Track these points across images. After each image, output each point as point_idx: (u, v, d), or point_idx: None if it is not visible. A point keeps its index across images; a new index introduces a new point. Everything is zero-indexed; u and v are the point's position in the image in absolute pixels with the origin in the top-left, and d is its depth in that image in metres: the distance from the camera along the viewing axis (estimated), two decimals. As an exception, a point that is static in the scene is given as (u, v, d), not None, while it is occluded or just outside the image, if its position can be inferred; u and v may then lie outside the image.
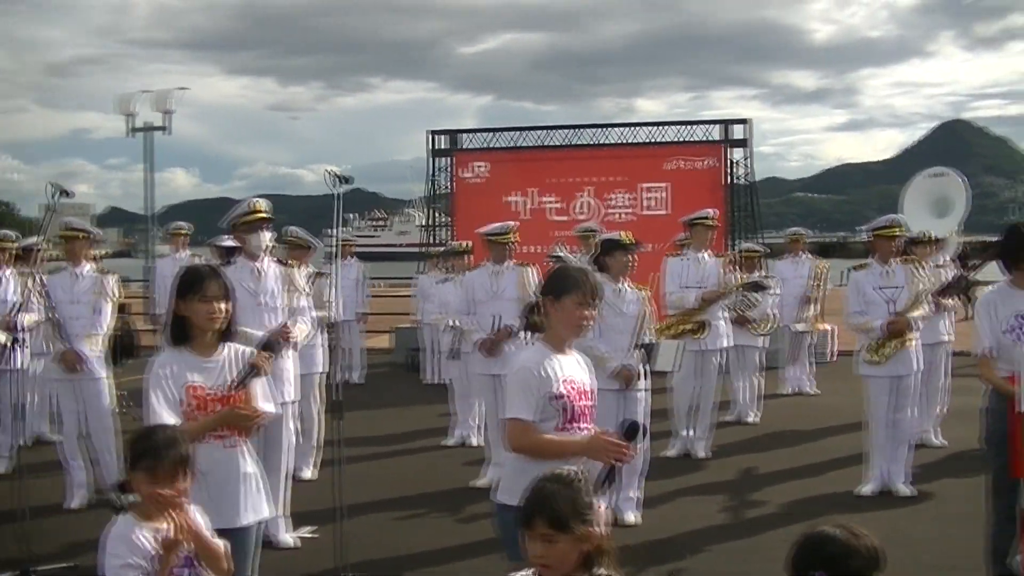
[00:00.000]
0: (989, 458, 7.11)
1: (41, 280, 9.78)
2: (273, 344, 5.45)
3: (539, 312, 5.17)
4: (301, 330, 8.50)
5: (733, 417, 13.68)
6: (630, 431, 4.83)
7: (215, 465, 5.02)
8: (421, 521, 9.33)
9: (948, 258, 13.22)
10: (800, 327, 15.62)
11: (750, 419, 13.73)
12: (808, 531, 3.51)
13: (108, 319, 10.03)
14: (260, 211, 8.39)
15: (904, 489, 9.89)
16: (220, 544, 4.44)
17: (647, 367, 9.03)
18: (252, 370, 5.24)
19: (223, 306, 5.24)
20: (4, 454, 11.26)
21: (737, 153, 19.50)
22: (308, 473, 10.74)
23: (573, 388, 4.98)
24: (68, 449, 10.01)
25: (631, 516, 9.13)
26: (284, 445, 8.55)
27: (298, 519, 8.86)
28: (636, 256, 9.28)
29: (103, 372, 9.87)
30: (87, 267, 10.02)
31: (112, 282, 10.14)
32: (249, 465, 5.36)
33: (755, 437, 12.85)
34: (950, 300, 11.82)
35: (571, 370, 5.03)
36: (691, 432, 11.73)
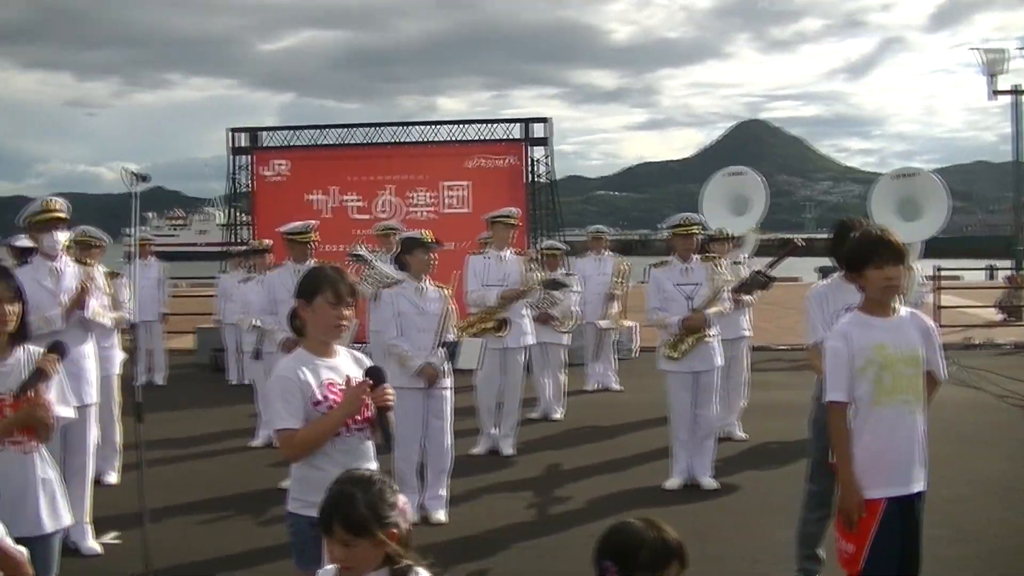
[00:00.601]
0: (812, 443, 7.24)
1: None
2: (61, 345, 5.25)
3: (298, 316, 5.05)
4: (98, 312, 8.31)
5: (538, 414, 13.73)
6: (373, 374, 4.84)
7: (11, 472, 4.86)
8: (229, 523, 9.15)
9: (746, 255, 13.47)
10: (603, 324, 15.74)
11: (555, 416, 13.77)
12: (614, 524, 3.52)
13: None
14: (53, 210, 8.16)
15: (709, 482, 10.02)
16: (20, 551, 4.25)
17: (450, 365, 9.02)
18: (38, 373, 5.05)
19: (13, 308, 5.06)
20: None
21: (538, 151, 19.57)
22: (112, 477, 10.47)
23: (335, 390, 4.88)
24: None
25: (439, 514, 9.10)
26: (87, 448, 8.32)
27: (102, 524, 8.63)
28: (437, 254, 9.26)
29: None
30: None
31: None
32: (47, 471, 5.19)
33: (560, 433, 12.89)
34: (748, 296, 12.03)
35: (333, 372, 4.92)
36: (497, 430, 11.74)
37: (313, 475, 4.80)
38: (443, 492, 9.21)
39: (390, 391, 4.83)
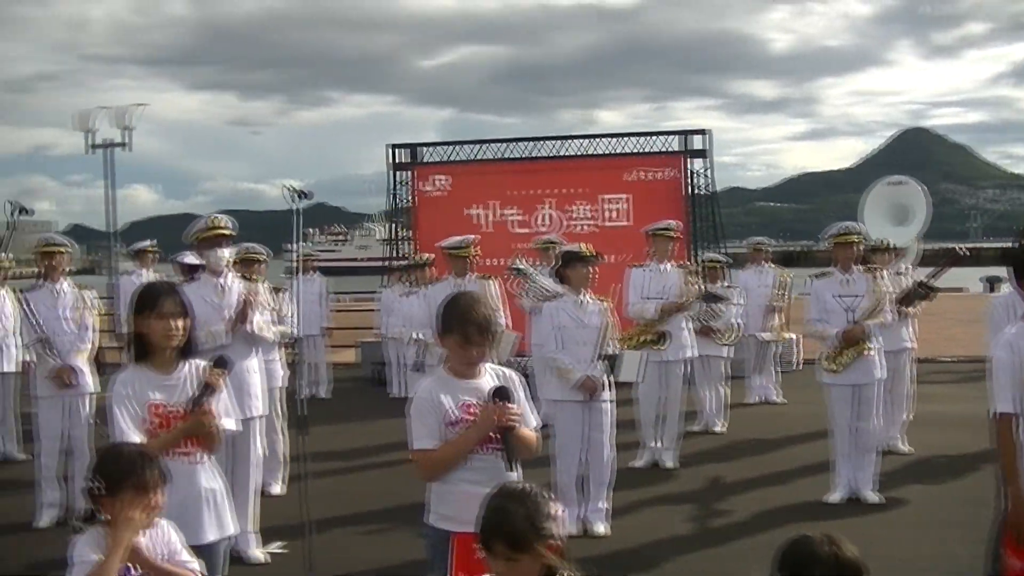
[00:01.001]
0: None
1: (24, 297, 9.79)
2: (225, 360, 5.38)
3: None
4: (261, 326, 8.50)
5: (700, 427, 13.66)
6: (500, 395, 4.88)
7: (179, 481, 4.96)
8: (389, 535, 9.26)
9: (909, 265, 13.25)
10: (765, 336, 15.62)
11: (717, 429, 13.69)
12: (794, 537, 3.49)
13: (94, 333, 10.03)
14: (219, 227, 8.36)
15: (871, 496, 9.88)
16: (193, 570, 4.40)
17: (611, 378, 9.02)
18: (207, 388, 5.18)
19: (180, 323, 5.19)
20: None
21: (697, 163, 19.44)
22: (276, 488, 10.68)
23: (473, 411, 4.93)
24: (46, 467, 9.91)
25: (600, 527, 9.12)
26: (252, 460, 8.52)
27: (267, 534, 8.80)
28: (596, 268, 9.28)
29: (92, 387, 9.86)
30: (65, 283, 9.98)
31: (93, 297, 10.17)
32: (214, 481, 5.32)
33: (722, 446, 12.81)
34: (912, 308, 11.83)
35: (472, 394, 4.97)
36: (658, 442, 11.70)
37: (450, 490, 4.91)
38: (604, 505, 9.22)
39: (514, 411, 4.86)
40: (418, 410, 4.97)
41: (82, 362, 9.85)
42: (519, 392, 5.08)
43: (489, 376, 5.08)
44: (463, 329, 4.93)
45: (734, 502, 10.11)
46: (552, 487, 8.95)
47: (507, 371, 5.18)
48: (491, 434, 4.88)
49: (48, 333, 9.69)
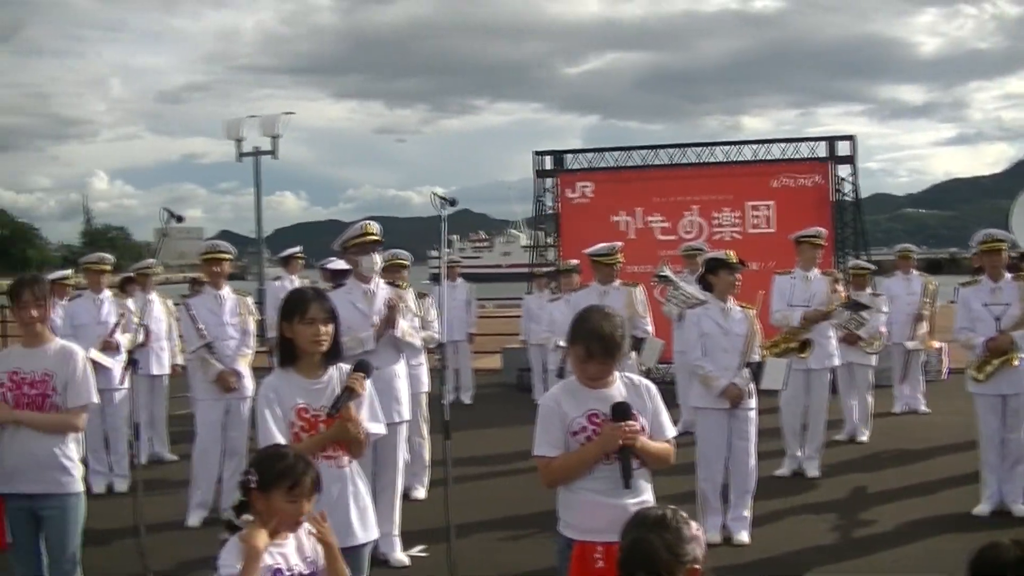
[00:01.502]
0: None
1: (187, 303, 10.10)
2: (367, 364, 5.51)
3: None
4: (407, 332, 8.65)
5: (844, 436, 13.54)
6: (619, 412, 4.90)
7: (326, 484, 5.10)
8: (529, 541, 9.34)
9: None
10: (911, 345, 15.45)
11: (861, 438, 13.57)
12: (984, 543, 3.47)
13: (253, 338, 10.32)
14: (371, 233, 8.51)
15: (1021, 508, 9.73)
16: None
17: (755, 386, 9.03)
18: (347, 392, 5.32)
19: (327, 328, 5.33)
20: (123, 473, 11.54)
21: (843, 170, 19.26)
22: (420, 492, 10.85)
23: (598, 420, 4.98)
24: (202, 467, 10.17)
25: (742, 535, 9.11)
26: (396, 464, 8.67)
27: (409, 538, 8.95)
28: (741, 275, 9.29)
29: (251, 391, 10.07)
30: (227, 288, 10.29)
31: (252, 302, 10.48)
32: (359, 484, 5.46)
33: (866, 456, 12.71)
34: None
35: (600, 402, 5.01)
36: (802, 451, 11.65)
37: (574, 498, 5.02)
38: (747, 513, 9.22)
39: (633, 429, 4.89)
40: (542, 417, 5.08)
41: (244, 366, 10.14)
42: (653, 402, 5.14)
43: (620, 385, 5.12)
44: (587, 343, 4.98)
45: (877, 512, 10.04)
46: (695, 495, 9.00)
47: (640, 380, 5.23)
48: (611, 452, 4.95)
49: (212, 338, 9.99)
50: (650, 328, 11.43)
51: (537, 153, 20.78)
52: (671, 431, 5.20)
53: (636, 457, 4.96)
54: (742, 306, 9.21)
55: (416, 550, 8.90)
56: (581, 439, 4.98)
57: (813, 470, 11.57)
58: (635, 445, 4.91)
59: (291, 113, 27.47)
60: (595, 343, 4.96)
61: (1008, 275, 9.94)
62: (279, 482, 4.34)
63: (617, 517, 4.25)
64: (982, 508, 9.80)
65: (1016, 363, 9.68)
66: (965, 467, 10.92)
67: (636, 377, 5.24)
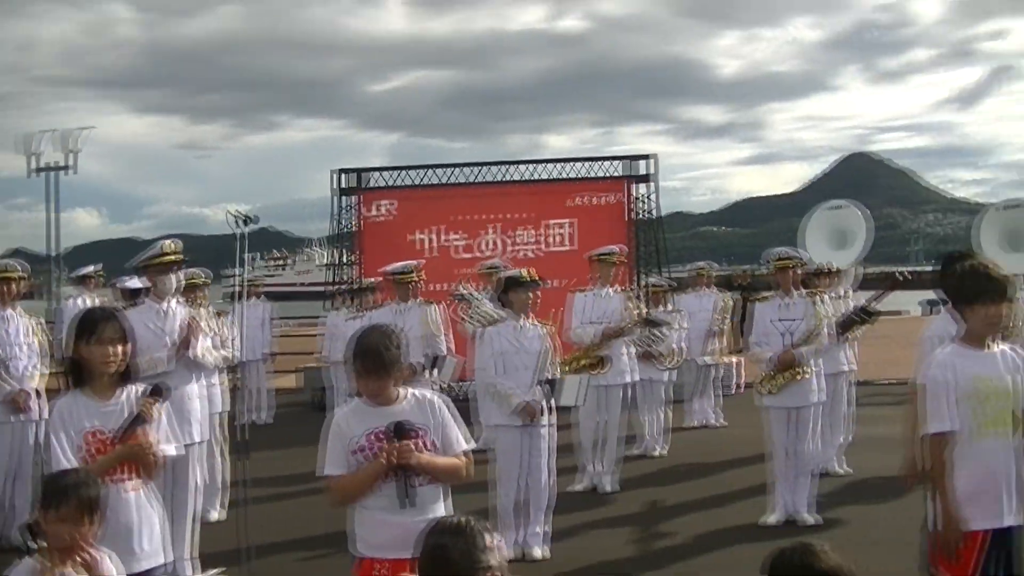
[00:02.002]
0: None
1: None
2: (162, 388, 5.40)
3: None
4: (205, 348, 8.52)
5: (640, 451, 13.69)
6: (398, 431, 4.94)
7: (115, 508, 4.97)
8: (328, 561, 9.21)
9: (850, 289, 13.38)
10: (706, 360, 15.73)
11: (657, 452, 13.76)
12: (773, 551, 3.53)
13: (45, 359, 10.01)
14: (170, 253, 8.37)
15: (808, 518, 9.98)
16: None
17: (551, 402, 9.07)
18: (137, 419, 5.20)
19: (119, 349, 5.21)
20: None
21: (642, 188, 19.55)
22: (216, 514, 10.65)
23: (376, 439, 5.01)
24: None
25: (539, 551, 9.14)
26: (191, 486, 8.50)
27: (206, 560, 8.77)
28: (540, 292, 9.33)
29: (43, 413, 9.73)
30: (18, 308, 9.96)
31: (42, 323, 10.15)
32: (151, 507, 5.34)
33: (662, 470, 12.89)
34: (852, 331, 11.94)
35: (382, 420, 5.03)
36: (598, 466, 11.75)
37: (363, 516, 5.08)
38: (544, 529, 9.25)
39: (406, 446, 4.92)
40: (326, 436, 5.09)
41: (36, 387, 9.82)
42: (439, 417, 5.16)
43: (406, 402, 5.13)
44: (361, 359, 5.03)
45: (674, 525, 10.19)
46: (491, 512, 9.00)
47: (427, 395, 5.25)
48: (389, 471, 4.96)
49: (4, 358, 9.66)
50: (447, 346, 11.43)
51: (339, 171, 20.65)
52: (463, 445, 5.19)
53: (418, 474, 4.95)
54: (537, 323, 9.25)
55: (212, 573, 8.73)
56: (360, 458, 4.98)
57: (609, 485, 11.67)
58: (411, 463, 4.89)
59: (90, 127, 26.84)
60: (368, 359, 5.00)
61: (798, 291, 10.19)
62: (47, 504, 4.23)
63: (400, 534, 4.29)
64: (772, 517, 10.02)
65: (804, 376, 9.93)
66: (758, 478, 11.12)
67: (424, 393, 5.23)
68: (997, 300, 5.38)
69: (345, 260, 20.69)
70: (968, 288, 5.49)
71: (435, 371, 11.18)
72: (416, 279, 11.25)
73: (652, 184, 19.59)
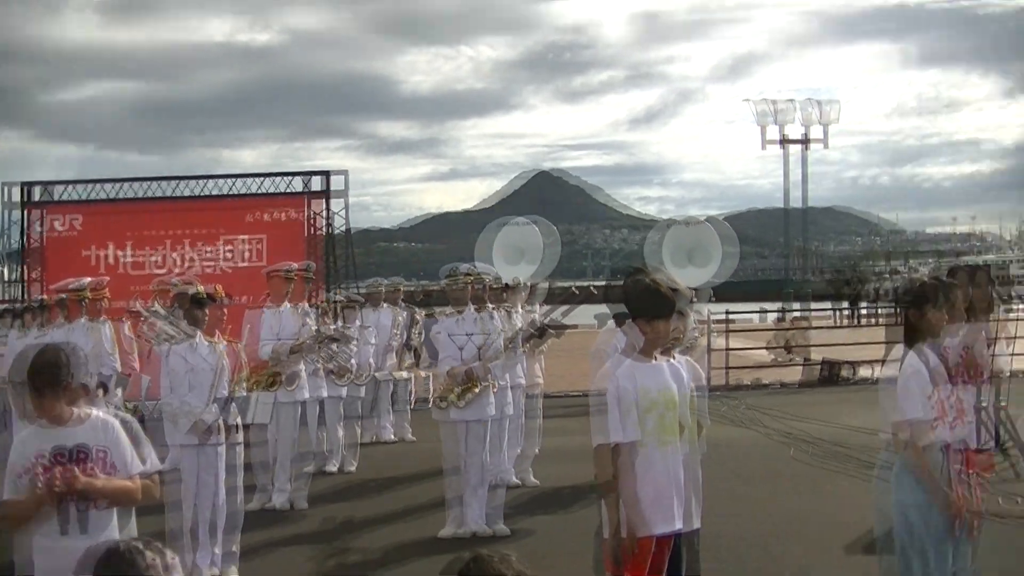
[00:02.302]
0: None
1: None
2: None
3: None
4: None
5: (330, 467, 13.63)
6: (71, 454, 4.87)
7: None
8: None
9: (534, 304, 13.64)
10: (395, 375, 15.80)
11: (346, 468, 13.72)
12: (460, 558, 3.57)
13: None
14: None
15: (488, 529, 10.14)
16: None
17: (238, 420, 8.96)
18: None
19: None
20: None
21: (333, 203, 19.57)
22: None
23: (41, 462, 4.90)
24: None
25: (230, 571, 9.00)
26: None
27: None
28: (224, 309, 9.22)
29: None
30: None
31: None
32: None
33: (352, 485, 12.90)
34: (537, 345, 12.16)
35: (58, 441, 4.93)
36: (287, 483, 11.64)
37: (39, 542, 4.91)
38: (229, 548, 9.10)
39: (70, 474, 4.80)
40: (5, 458, 4.94)
41: None
42: (113, 438, 5.04)
43: (84, 423, 5.01)
44: (28, 381, 4.92)
45: (365, 539, 10.23)
46: (174, 533, 8.83)
47: (105, 416, 5.14)
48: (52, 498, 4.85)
49: None
50: (132, 364, 11.17)
51: (25, 184, 19.99)
52: (139, 467, 5.09)
53: (88, 499, 4.85)
54: (216, 340, 9.09)
55: None
56: (25, 480, 4.84)
57: (300, 502, 11.61)
58: (76, 488, 4.80)
59: None
60: (38, 379, 4.90)
61: (480, 306, 10.34)
62: None
63: (67, 561, 4.17)
64: (450, 530, 10.17)
65: (486, 390, 10.09)
66: (443, 491, 11.24)
67: (100, 413, 5.12)
68: (667, 316, 5.64)
69: (22, 277, 20.00)
70: (643, 303, 5.74)
71: (115, 390, 10.91)
72: (92, 296, 10.94)
73: (340, 200, 19.62)
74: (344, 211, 19.72)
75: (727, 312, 23.96)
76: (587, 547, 7.65)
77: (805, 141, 42.30)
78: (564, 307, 12.28)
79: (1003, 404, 11.46)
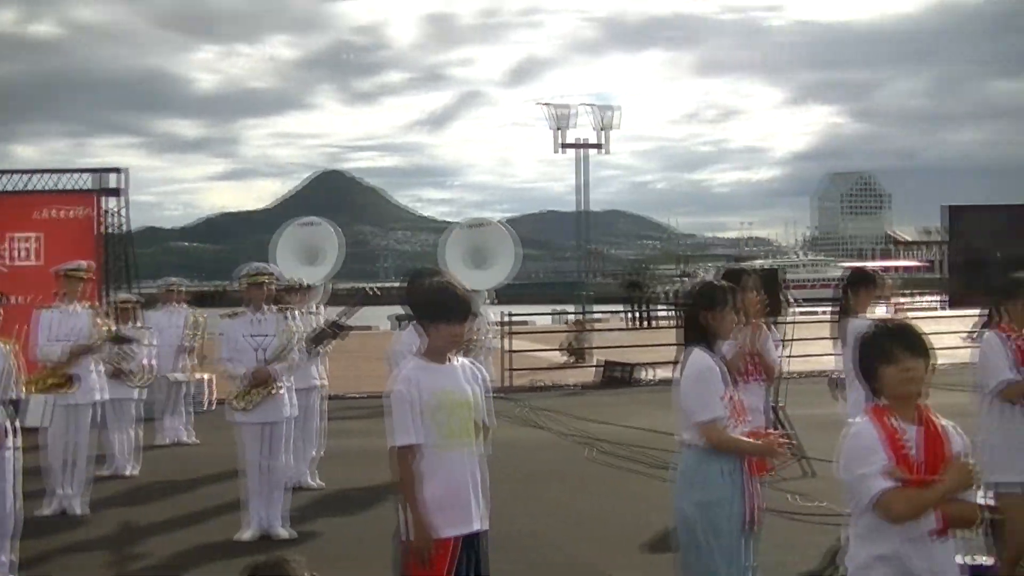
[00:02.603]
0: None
1: None
2: None
3: None
4: None
5: (110, 471, 13.36)
6: None
7: None
8: None
9: (320, 305, 13.62)
10: (177, 377, 15.59)
11: (128, 472, 13.47)
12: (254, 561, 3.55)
13: None
14: None
15: (282, 532, 10.07)
16: None
17: (16, 424, 8.72)
18: None
19: None
20: None
21: (112, 202, 19.21)
22: None
23: None
24: None
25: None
26: None
27: None
28: (3, 309, 8.97)
29: None
30: None
31: None
32: None
33: (135, 489, 12.67)
34: (322, 346, 12.14)
35: None
36: (67, 488, 11.37)
37: None
38: (9, 557, 8.86)
39: None
40: None
41: None
42: None
43: None
44: None
45: (149, 546, 10.01)
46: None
47: None
48: None
49: None
50: None
51: None
52: None
53: None
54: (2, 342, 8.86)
55: None
56: None
57: (79, 507, 11.32)
58: None
59: None
60: None
61: (269, 307, 10.28)
62: None
63: None
64: (247, 534, 10.02)
65: (278, 392, 10.03)
66: (232, 494, 11.13)
67: None
68: (460, 318, 5.69)
69: None
70: (432, 305, 5.77)
71: None
72: None
73: (123, 198, 19.26)
74: (125, 209, 19.40)
75: (510, 314, 24.21)
76: (378, 550, 7.67)
77: (595, 146, 42.95)
78: (351, 308, 12.30)
79: (781, 404, 11.87)
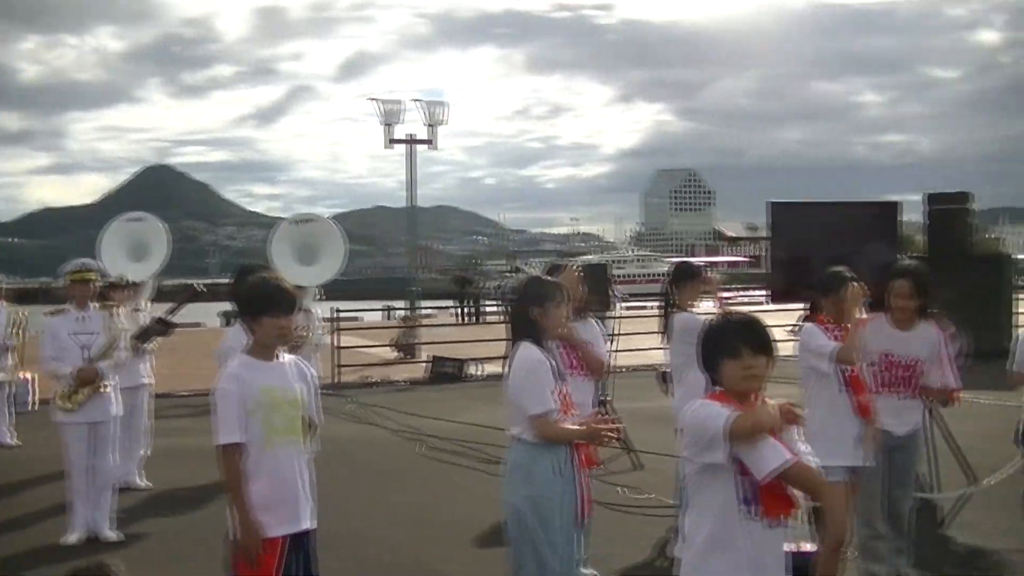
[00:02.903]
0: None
1: None
2: None
3: None
4: None
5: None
6: None
7: None
8: None
9: (147, 302, 13.41)
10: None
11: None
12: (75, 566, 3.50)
13: None
14: None
15: (110, 534, 9.89)
16: None
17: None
18: None
19: None
20: None
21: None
22: None
23: None
24: None
25: None
26: None
27: None
28: None
29: None
30: None
31: None
32: None
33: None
34: (149, 344, 11.97)
35: None
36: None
37: None
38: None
39: None
40: None
41: None
42: None
43: None
44: None
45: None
46: None
47: None
48: None
49: None
50: None
51: None
52: None
53: None
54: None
55: None
56: None
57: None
58: None
59: None
60: None
61: (95, 305, 10.10)
62: None
63: None
64: (72, 536, 9.81)
65: (104, 390, 9.86)
66: (56, 497, 10.91)
67: None
68: (284, 311, 5.67)
69: None
70: (257, 301, 5.74)
71: None
72: None
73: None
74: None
75: (339, 311, 24.13)
76: (209, 550, 7.63)
77: (424, 141, 42.88)
78: (178, 305, 12.16)
79: (609, 399, 12.02)
